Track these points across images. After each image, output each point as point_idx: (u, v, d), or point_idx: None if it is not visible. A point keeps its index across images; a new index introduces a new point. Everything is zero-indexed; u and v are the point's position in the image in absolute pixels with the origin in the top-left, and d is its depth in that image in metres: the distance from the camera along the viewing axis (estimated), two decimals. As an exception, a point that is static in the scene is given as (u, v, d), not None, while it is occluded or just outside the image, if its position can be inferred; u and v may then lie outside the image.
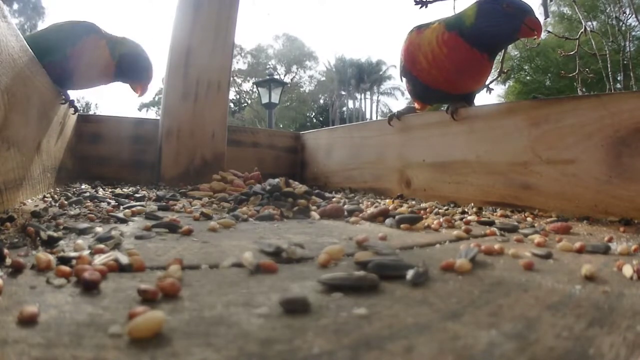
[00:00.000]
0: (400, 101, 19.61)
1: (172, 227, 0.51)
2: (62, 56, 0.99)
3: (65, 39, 1.02)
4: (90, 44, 1.05)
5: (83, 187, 1.04)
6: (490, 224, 0.63)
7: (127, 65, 1.12)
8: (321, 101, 20.63)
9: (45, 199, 0.76)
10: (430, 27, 0.99)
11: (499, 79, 2.06)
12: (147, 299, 0.26)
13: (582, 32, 2.11)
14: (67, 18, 1.16)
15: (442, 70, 0.98)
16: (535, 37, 0.91)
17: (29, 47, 0.71)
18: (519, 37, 0.93)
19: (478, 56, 0.93)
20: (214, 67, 1.33)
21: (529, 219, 0.72)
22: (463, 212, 0.78)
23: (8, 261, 0.32)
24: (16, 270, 0.31)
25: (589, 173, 0.73)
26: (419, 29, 1.02)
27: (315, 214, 0.71)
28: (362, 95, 20.97)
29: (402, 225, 0.60)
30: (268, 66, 16.79)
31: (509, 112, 0.87)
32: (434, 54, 0.97)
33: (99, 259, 0.33)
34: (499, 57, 2.21)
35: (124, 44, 1.12)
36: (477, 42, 0.92)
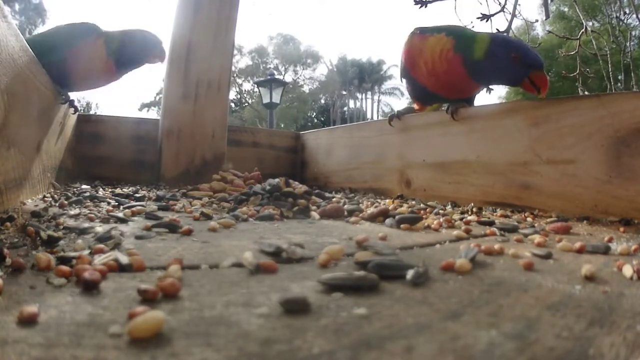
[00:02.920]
0: (401, 101, 19.60)
1: (172, 227, 0.51)
2: (60, 58, 0.98)
3: (64, 40, 1.01)
4: (87, 46, 1.04)
5: (83, 187, 1.04)
6: (490, 224, 0.63)
7: (128, 55, 1.09)
8: (322, 101, 20.62)
9: (45, 199, 0.76)
10: (436, 36, 0.97)
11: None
12: (147, 299, 0.26)
13: (582, 32, 2.11)
14: (68, 19, 1.16)
15: (439, 79, 0.98)
16: (539, 94, 0.86)
17: (29, 47, 0.71)
18: (521, 88, 0.90)
19: (473, 84, 0.96)
20: (214, 67, 1.33)
21: (529, 219, 0.72)
22: (463, 212, 0.78)
23: (8, 261, 0.32)
24: (16, 270, 0.31)
25: (589, 173, 0.73)
26: (423, 33, 1.01)
27: (315, 214, 0.71)
28: (364, 95, 20.98)
29: (402, 225, 0.60)
30: (269, 66, 16.79)
31: (509, 112, 0.87)
32: (435, 64, 0.96)
33: (99, 259, 0.33)
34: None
35: (120, 35, 1.09)
36: (476, 76, 0.93)
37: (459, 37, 0.95)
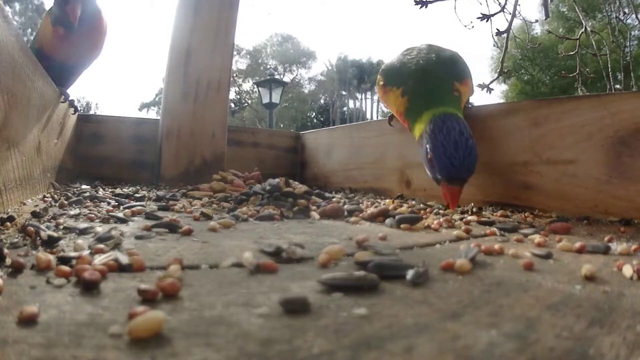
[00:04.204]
0: (400, 101, 19.51)
1: (172, 227, 0.51)
2: None
3: None
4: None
5: (83, 187, 1.04)
6: (490, 224, 0.63)
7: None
8: (322, 101, 20.61)
9: (45, 199, 0.76)
10: (394, 92, 0.87)
11: (499, 78, 2.06)
12: (147, 299, 0.26)
13: (582, 32, 2.12)
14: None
15: None
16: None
17: (28, 47, 0.71)
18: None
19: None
20: (214, 67, 1.33)
21: (529, 219, 0.72)
22: (463, 212, 0.78)
23: (8, 261, 0.32)
24: (16, 270, 0.31)
25: (589, 173, 0.73)
26: (384, 85, 0.91)
27: (315, 214, 0.71)
28: (363, 95, 20.97)
29: (402, 225, 0.60)
30: (269, 66, 16.78)
31: (509, 112, 0.87)
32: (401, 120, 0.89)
33: (99, 259, 0.33)
34: (499, 56, 2.21)
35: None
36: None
37: (412, 101, 0.83)
